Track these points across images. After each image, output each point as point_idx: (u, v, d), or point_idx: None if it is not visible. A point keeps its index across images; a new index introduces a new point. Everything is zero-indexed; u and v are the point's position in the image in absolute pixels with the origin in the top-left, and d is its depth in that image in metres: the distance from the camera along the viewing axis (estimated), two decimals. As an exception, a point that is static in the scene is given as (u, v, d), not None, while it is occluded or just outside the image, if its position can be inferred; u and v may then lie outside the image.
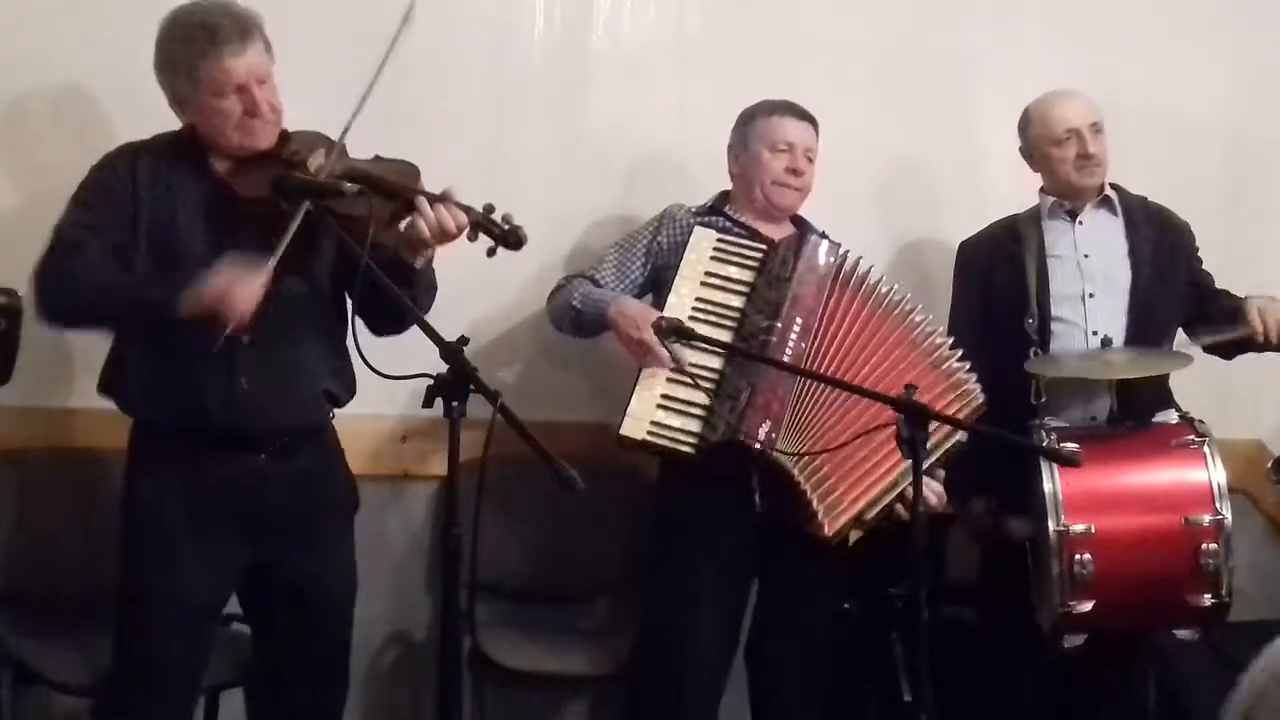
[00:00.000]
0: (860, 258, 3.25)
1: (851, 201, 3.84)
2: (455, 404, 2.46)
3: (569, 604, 3.81)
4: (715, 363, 3.11)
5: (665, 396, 3.09)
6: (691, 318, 3.11)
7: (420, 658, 3.68)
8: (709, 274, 3.19)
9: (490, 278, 3.18)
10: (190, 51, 2.75)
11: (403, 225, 2.81)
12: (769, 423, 3.05)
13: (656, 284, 3.36)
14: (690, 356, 3.09)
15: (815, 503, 3.06)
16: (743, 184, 3.42)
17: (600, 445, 3.22)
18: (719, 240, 3.23)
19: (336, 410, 2.99)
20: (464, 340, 2.62)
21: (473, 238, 2.78)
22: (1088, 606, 3.07)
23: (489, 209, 2.78)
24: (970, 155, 4.02)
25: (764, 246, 3.23)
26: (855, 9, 3.99)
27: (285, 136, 2.87)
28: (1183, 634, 3.21)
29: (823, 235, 3.35)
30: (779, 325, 3.12)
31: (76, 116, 3.37)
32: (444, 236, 2.76)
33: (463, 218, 2.75)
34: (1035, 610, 3.24)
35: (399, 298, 2.63)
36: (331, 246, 2.85)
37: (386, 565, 3.53)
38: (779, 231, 3.37)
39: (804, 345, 3.13)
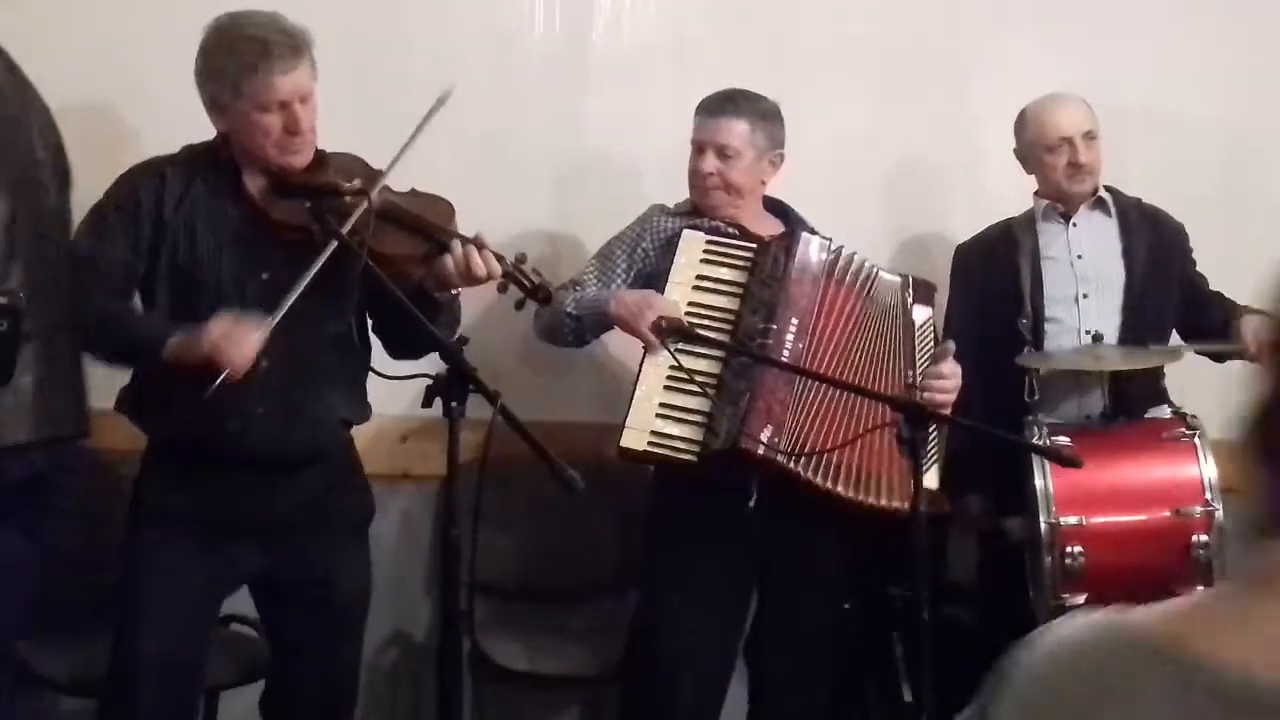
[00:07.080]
0: (854, 252, 3.21)
1: (853, 201, 3.84)
2: (455, 404, 2.47)
3: (569, 604, 3.81)
4: (714, 368, 3.06)
5: (665, 405, 3.03)
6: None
7: (420, 658, 3.68)
8: (700, 277, 3.13)
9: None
10: (240, 64, 2.70)
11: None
12: (770, 427, 3.00)
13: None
14: (688, 362, 3.02)
15: (833, 485, 3.03)
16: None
17: (600, 445, 3.21)
18: (709, 242, 3.16)
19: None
20: (464, 340, 2.63)
21: (502, 289, 2.78)
22: (1080, 599, 3.08)
23: (521, 259, 2.77)
24: (972, 155, 4.02)
25: (754, 245, 3.17)
26: (856, 9, 3.99)
27: (322, 158, 2.83)
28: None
29: (813, 231, 3.27)
30: (774, 327, 3.06)
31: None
32: (471, 280, 2.77)
33: (495, 266, 2.74)
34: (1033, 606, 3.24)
35: (434, 337, 2.62)
36: (358, 274, 2.79)
37: (386, 565, 3.52)
38: (767, 228, 3.29)
39: (800, 345, 3.08)
